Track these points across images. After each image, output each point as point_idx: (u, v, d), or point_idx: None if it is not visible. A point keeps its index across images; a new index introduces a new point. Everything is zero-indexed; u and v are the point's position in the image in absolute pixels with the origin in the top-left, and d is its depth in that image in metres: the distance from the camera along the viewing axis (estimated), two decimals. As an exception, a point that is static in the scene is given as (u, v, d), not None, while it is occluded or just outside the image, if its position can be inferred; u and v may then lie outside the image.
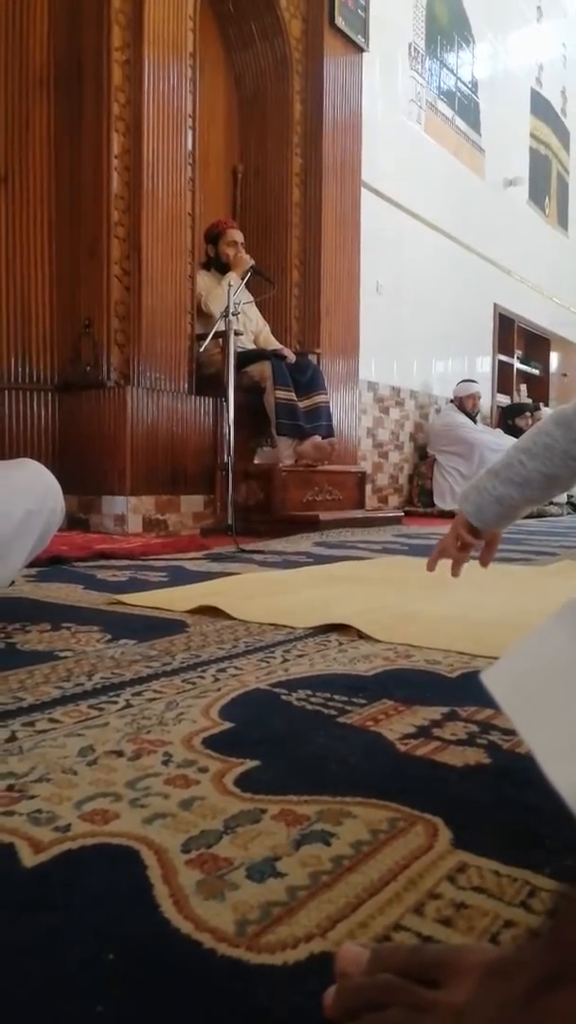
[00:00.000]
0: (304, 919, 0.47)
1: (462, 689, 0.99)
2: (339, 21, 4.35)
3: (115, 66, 3.28)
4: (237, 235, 3.96)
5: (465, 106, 6.52)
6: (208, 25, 4.15)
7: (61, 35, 3.41)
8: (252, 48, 4.41)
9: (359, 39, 4.56)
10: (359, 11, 4.54)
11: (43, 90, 3.42)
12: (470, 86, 6.59)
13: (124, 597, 1.63)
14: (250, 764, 0.72)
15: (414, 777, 0.70)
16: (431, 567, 1.31)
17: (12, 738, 0.79)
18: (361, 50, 4.62)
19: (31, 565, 1.89)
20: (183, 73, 3.50)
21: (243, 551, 2.66)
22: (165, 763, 0.72)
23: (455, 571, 1.31)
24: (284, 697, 0.94)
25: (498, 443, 5.59)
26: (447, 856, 0.55)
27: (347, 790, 0.66)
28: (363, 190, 4.79)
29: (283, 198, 4.40)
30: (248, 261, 3.84)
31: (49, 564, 2.21)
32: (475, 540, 1.27)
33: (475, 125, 6.68)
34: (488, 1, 6.73)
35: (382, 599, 1.65)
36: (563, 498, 5.57)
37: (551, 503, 5.42)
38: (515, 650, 0.35)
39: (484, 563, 1.32)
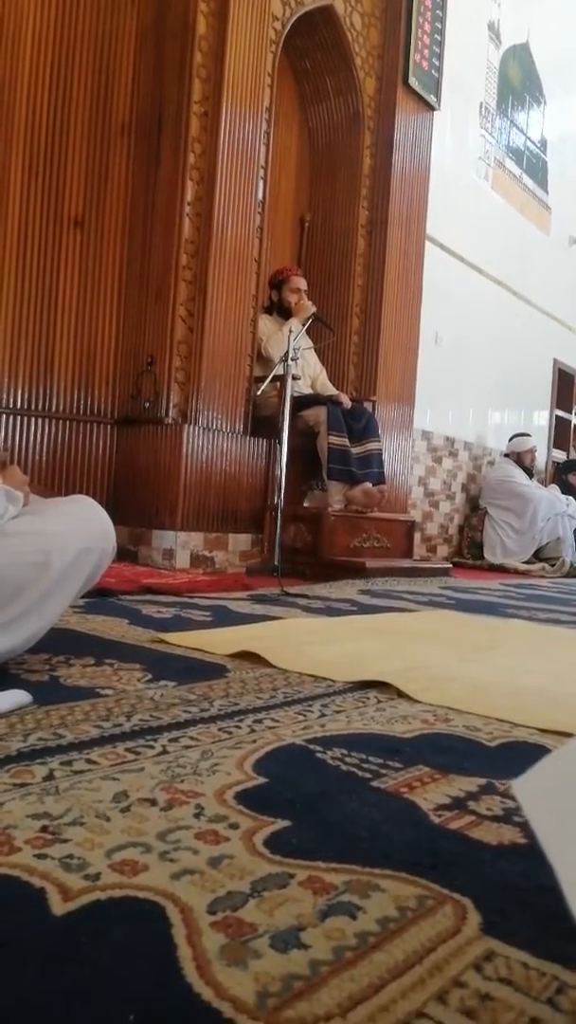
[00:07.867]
0: (325, 997, 0.47)
1: (501, 760, 0.97)
2: (412, 81, 4.46)
3: (194, 118, 3.41)
4: (301, 282, 4.04)
5: (533, 164, 6.58)
6: (285, 80, 4.29)
7: (144, 87, 3.57)
8: (326, 103, 4.54)
9: (431, 98, 4.66)
10: (432, 72, 4.64)
11: (123, 138, 3.58)
12: (539, 145, 6.65)
13: (167, 636, 1.65)
14: (281, 824, 0.72)
15: (446, 852, 0.69)
16: None
17: (50, 776, 0.80)
18: (432, 108, 4.72)
19: (79, 597, 1.93)
20: (258, 126, 3.62)
21: (287, 594, 2.67)
22: (197, 816, 0.72)
23: None
24: (319, 755, 0.94)
25: (553, 499, 5.53)
26: (475, 942, 0.54)
27: (377, 860, 0.66)
28: (427, 243, 4.85)
29: (348, 248, 4.49)
30: (310, 308, 3.91)
31: (96, 596, 2.25)
32: None
33: (542, 183, 6.73)
34: (562, 63, 6.82)
35: (425, 657, 1.63)
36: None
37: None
38: (550, 762, 0.34)
39: None
